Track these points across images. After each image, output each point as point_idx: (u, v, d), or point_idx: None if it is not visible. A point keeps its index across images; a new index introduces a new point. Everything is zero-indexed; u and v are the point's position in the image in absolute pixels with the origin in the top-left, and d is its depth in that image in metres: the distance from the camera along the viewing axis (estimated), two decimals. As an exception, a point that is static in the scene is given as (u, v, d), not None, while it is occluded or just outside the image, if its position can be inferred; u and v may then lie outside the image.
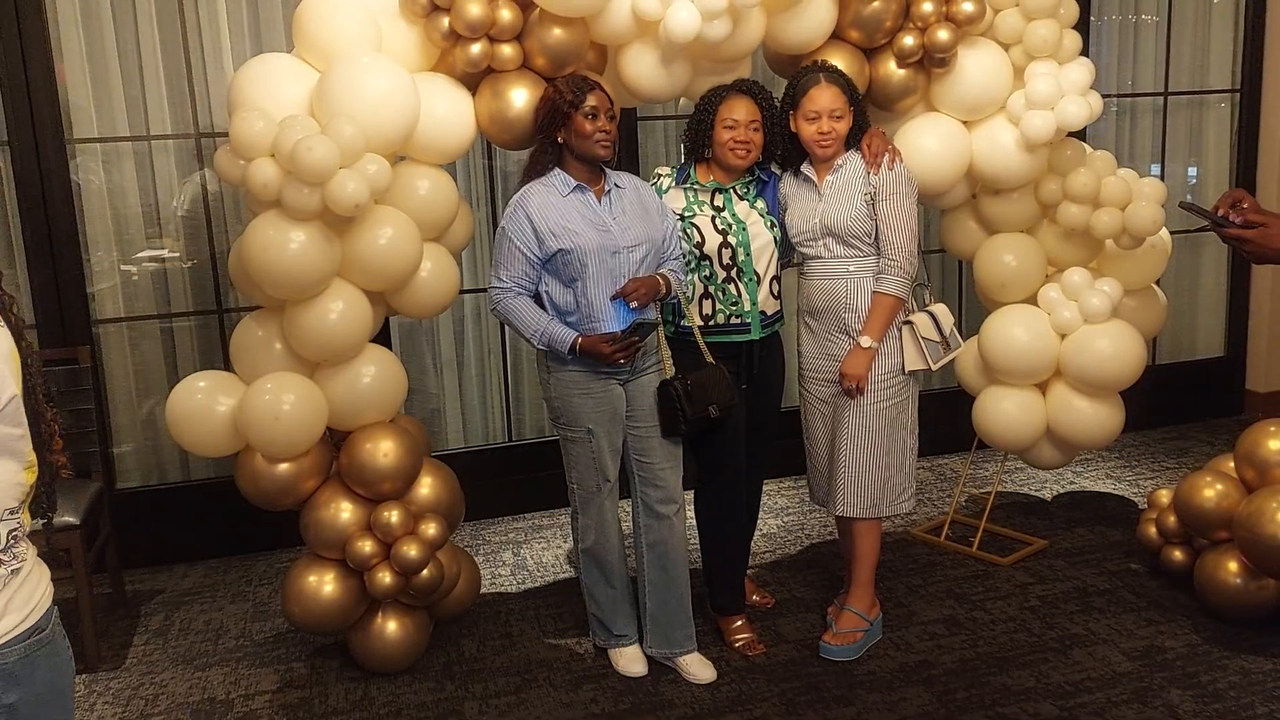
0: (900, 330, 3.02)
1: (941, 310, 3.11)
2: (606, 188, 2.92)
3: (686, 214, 3.03)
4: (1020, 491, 4.34)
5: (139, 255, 3.93)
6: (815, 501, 3.26)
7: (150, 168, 3.89)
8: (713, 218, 3.02)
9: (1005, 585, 3.50)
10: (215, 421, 2.98)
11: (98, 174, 3.85)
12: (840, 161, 3.02)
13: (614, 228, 2.88)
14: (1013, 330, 3.59)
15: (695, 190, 3.05)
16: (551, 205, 2.83)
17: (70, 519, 3.10)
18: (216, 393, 3.00)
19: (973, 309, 4.42)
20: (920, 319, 3.04)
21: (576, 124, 2.81)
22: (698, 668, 3.02)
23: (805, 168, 3.06)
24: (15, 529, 1.37)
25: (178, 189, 3.92)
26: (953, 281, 4.82)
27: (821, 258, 3.03)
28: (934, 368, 3.05)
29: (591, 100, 2.81)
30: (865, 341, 2.96)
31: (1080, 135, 4.29)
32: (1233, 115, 5.04)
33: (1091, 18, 4.71)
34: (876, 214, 2.95)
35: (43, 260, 3.70)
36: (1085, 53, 4.48)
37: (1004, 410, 3.67)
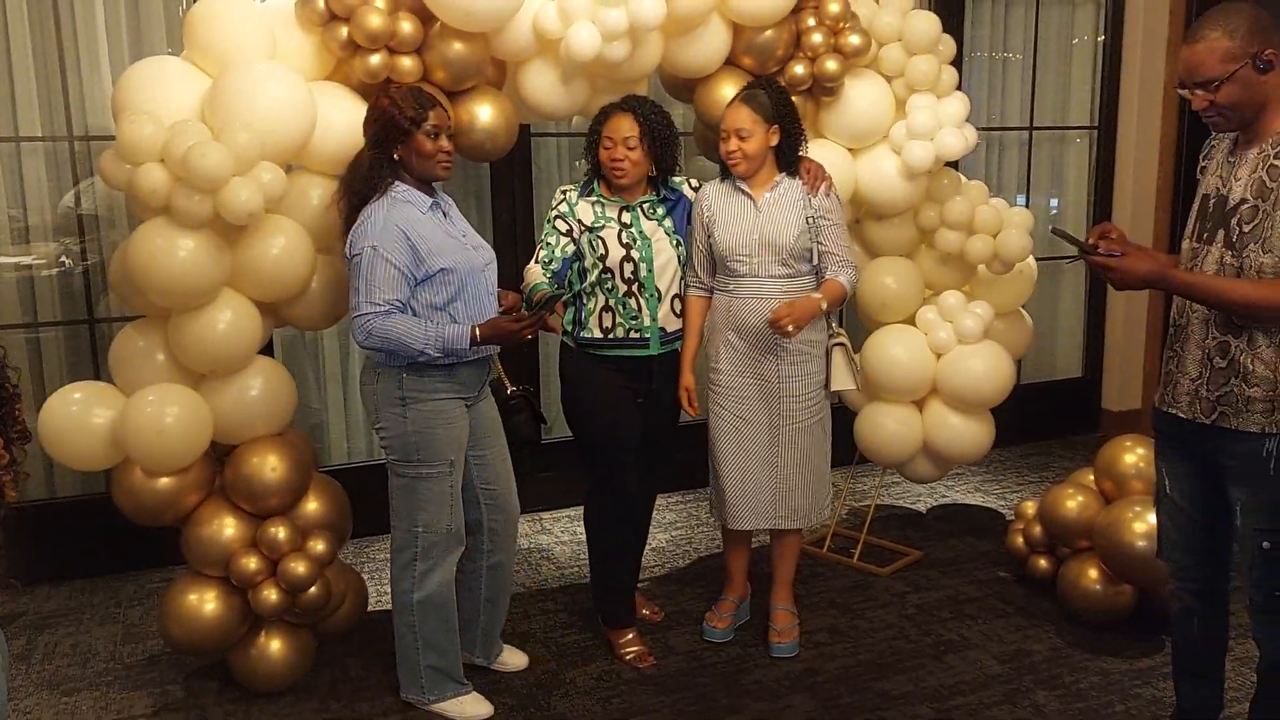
0: (831, 350, 3.11)
1: (846, 335, 3.23)
2: (444, 207, 2.83)
3: (594, 227, 3.04)
4: (898, 504, 4.51)
5: (4, 261, 3.74)
6: (718, 518, 3.27)
7: (19, 171, 3.71)
8: (619, 232, 3.04)
9: (884, 595, 3.64)
10: (93, 434, 2.86)
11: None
12: (777, 180, 3.06)
13: (468, 246, 2.81)
14: (893, 349, 3.75)
15: (602, 204, 3.07)
16: (421, 223, 2.68)
17: (-73, 537, 2.92)
18: (94, 404, 2.88)
19: (857, 329, 4.60)
20: (847, 339, 3.14)
21: (417, 143, 2.67)
22: (511, 656, 3.18)
23: (741, 183, 3.08)
24: None
25: (71, 193, 3.74)
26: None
27: (756, 275, 3.05)
28: (859, 387, 3.16)
29: (433, 119, 2.67)
30: (817, 296, 2.98)
31: (954, 165, 4.53)
32: (1090, 150, 5.37)
33: (965, 55, 4.96)
34: (820, 238, 3.03)
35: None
36: (959, 87, 4.75)
37: (883, 426, 3.82)
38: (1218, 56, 2.19)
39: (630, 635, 3.24)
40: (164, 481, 2.88)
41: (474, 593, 3.06)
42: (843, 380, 3.13)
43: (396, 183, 2.71)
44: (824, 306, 2.99)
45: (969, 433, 3.79)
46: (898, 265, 3.76)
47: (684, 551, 4.04)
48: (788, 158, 3.07)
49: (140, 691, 3.07)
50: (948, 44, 3.53)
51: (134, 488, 2.89)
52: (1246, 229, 2.23)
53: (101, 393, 2.92)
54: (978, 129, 5.08)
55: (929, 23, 3.42)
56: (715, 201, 3.11)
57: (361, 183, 2.71)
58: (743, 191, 3.08)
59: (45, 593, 3.73)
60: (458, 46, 2.98)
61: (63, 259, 3.80)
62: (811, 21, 3.33)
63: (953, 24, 4.76)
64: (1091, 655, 3.21)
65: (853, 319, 4.77)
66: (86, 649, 3.33)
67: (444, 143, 2.72)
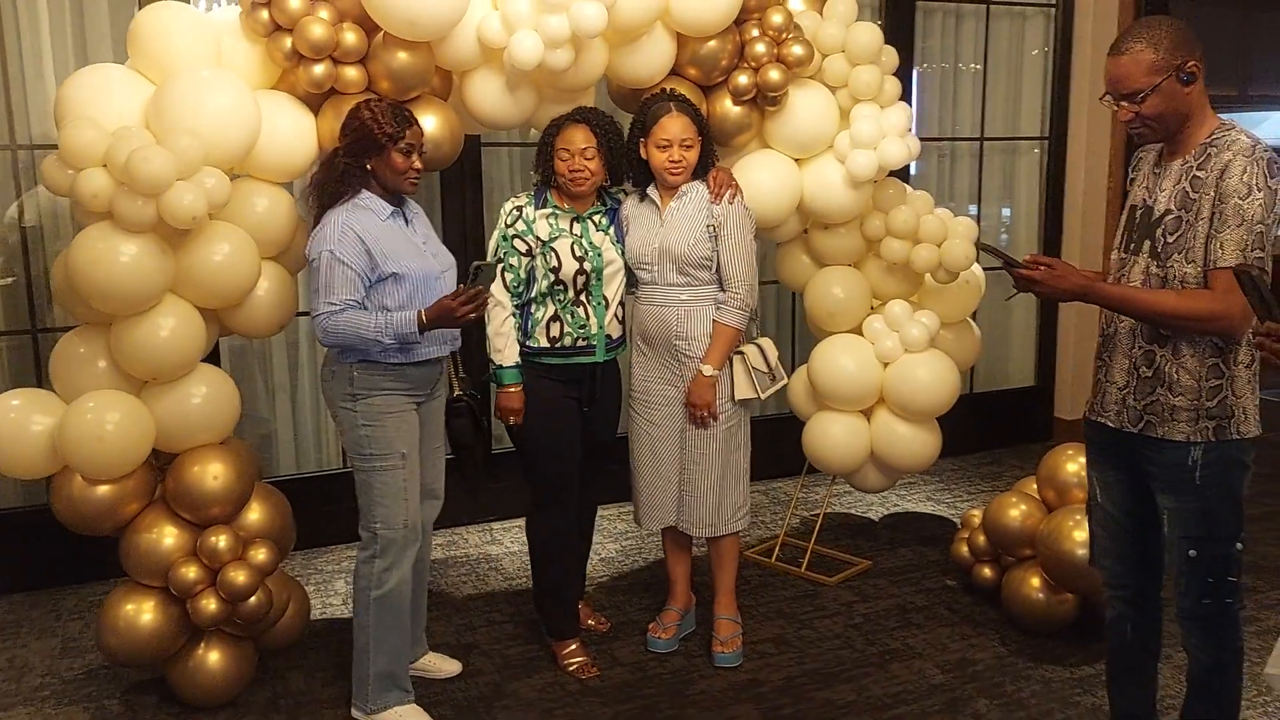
0: (731, 361, 3.13)
1: (767, 343, 3.26)
2: (408, 215, 2.90)
3: (549, 240, 3.06)
4: (849, 513, 4.54)
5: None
6: (637, 522, 3.32)
7: (-40, 178, 3.67)
8: (572, 244, 3.06)
9: (832, 604, 3.65)
10: (31, 441, 2.83)
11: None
12: (685, 190, 3.11)
13: (427, 253, 2.87)
14: (840, 359, 3.77)
15: (557, 215, 3.08)
16: (379, 228, 2.75)
17: None
18: (32, 411, 2.85)
19: (805, 338, 4.62)
20: (750, 350, 3.17)
21: (391, 158, 2.74)
22: (442, 662, 3.20)
23: (651, 191, 3.14)
24: None
25: (15, 204, 3.70)
26: (787, 310, 5.01)
27: (656, 283, 3.12)
28: (762, 397, 3.18)
29: (410, 137, 2.75)
30: (707, 370, 3.06)
31: (904, 175, 4.58)
32: (1042, 160, 5.44)
33: (916, 66, 5.02)
34: (719, 246, 3.06)
35: None
36: (907, 98, 4.80)
37: (831, 435, 3.84)
38: (1142, 69, 2.23)
39: (574, 646, 3.24)
40: (103, 489, 2.85)
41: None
42: (744, 390, 3.15)
43: (363, 190, 2.78)
44: (713, 372, 3.07)
45: (916, 442, 3.81)
46: (845, 275, 3.79)
47: (633, 561, 4.04)
48: (701, 170, 3.12)
49: (77, 706, 3.03)
50: (890, 55, 3.57)
51: (73, 496, 2.85)
52: (1171, 239, 2.26)
53: (40, 400, 2.89)
54: (929, 139, 5.21)
55: (871, 34, 3.46)
56: (630, 211, 3.19)
57: (332, 185, 2.79)
58: (651, 201, 3.13)
59: (-16, 606, 3.68)
60: (402, 56, 2.98)
61: (12, 274, 3.76)
62: (755, 32, 3.36)
63: (903, 35, 4.84)
64: (1034, 664, 3.24)
65: (800, 328, 4.81)
66: (22, 663, 3.29)
67: (415, 160, 2.79)
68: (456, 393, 3.08)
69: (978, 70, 5.24)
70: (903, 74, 4.75)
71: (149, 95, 2.81)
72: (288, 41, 2.88)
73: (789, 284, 4.01)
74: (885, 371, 3.77)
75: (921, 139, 5.11)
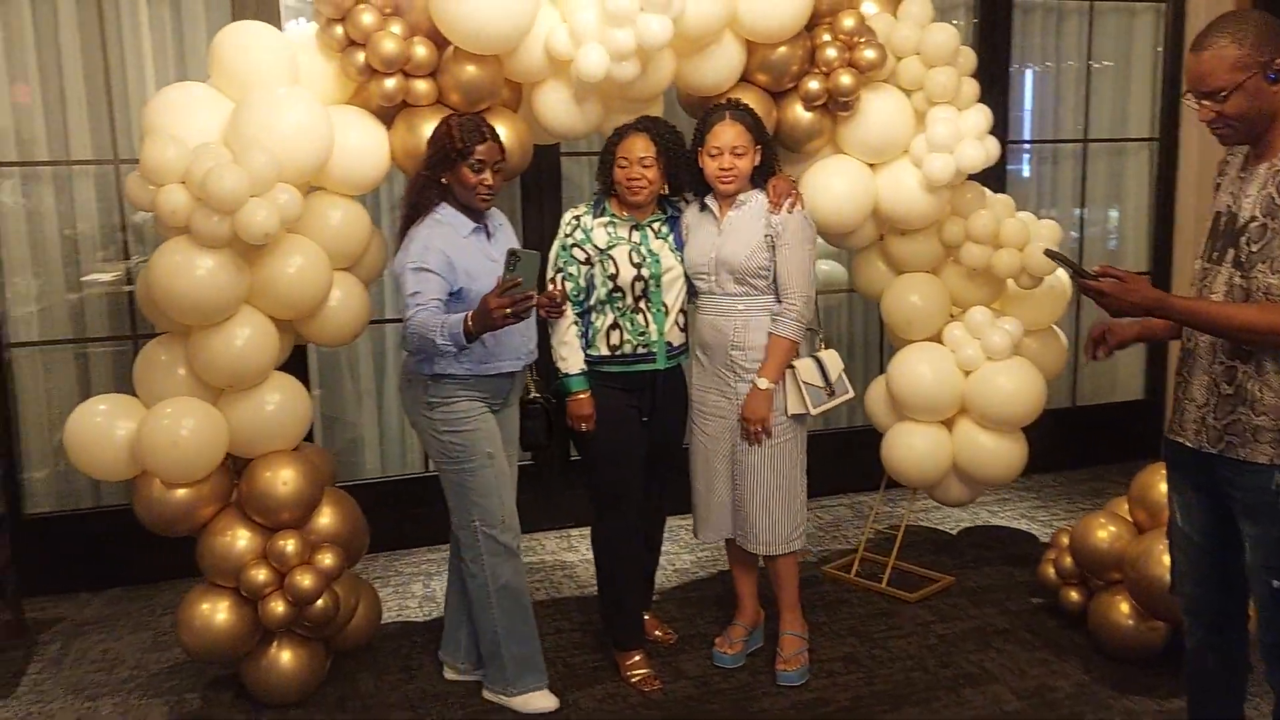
0: (784, 374, 3.06)
1: (830, 357, 3.18)
2: (491, 228, 2.94)
3: (607, 247, 3.06)
4: (933, 528, 4.40)
5: (58, 280, 3.91)
6: (694, 534, 3.29)
7: (70, 193, 3.88)
8: (630, 252, 3.06)
9: (908, 623, 3.54)
10: (113, 445, 2.96)
11: (14, 198, 3.83)
12: (743, 199, 3.07)
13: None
14: (919, 367, 3.66)
15: (615, 224, 3.09)
16: (457, 244, 2.81)
17: (-37, 544, 3.06)
18: (116, 416, 2.99)
19: (876, 347, 4.51)
20: (804, 364, 3.09)
21: (461, 173, 2.79)
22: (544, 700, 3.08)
23: (710, 200, 3.11)
24: None
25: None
26: (861, 319, 4.91)
27: (714, 293, 3.08)
28: (813, 412, 3.10)
29: (480, 152, 2.78)
30: (762, 383, 3.01)
31: (1000, 178, 4.43)
32: (1151, 163, 5.18)
33: (1027, 66, 4.85)
34: (775, 256, 3.00)
35: (-46, 283, 3.68)
36: (1003, 99, 4.64)
37: (911, 446, 3.73)
38: (1225, 65, 2.09)
39: (638, 658, 3.21)
40: (181, 493, 2.96)
41: (465, 595, 3.08)
42: (794, 404, 3.08)
43: (442, 204, 2.83)
44: (767, 385, 3.01)
45: (1000, 453, 3.67)
46: (923, 281, 3.67)
47: (706, 573, 3.99)
48: (760, 178, 3.07)
49: (158, 699, 3.16)
50: (967, 56, 3.45)
51: (152, 498, 2.98)
52: (1255, 248, 2.12)
53: (123, 405, 3.03)
54: (1029, 142, 5.02)
55: (947, 35, 3.34)
56: (689, 220, 3.16)
57: (413, 198, 2.86)
58: (710, 210, 3.09)
59: (85, 599, 3.87)
60: (471, 69, 3.02)
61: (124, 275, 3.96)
62: (826, 37, 3.29)
63: (999, 35, 4.68)
64: (1118, 694, 3.07)
65: (878, 336, 4.70)
66: (115, 656, 3.44)
67: (486, 176, 2.81)
68: (532, 395, 3.11)
69: (1081, 69, 5.02)
70: (999, 74, 4.63)
71: (228, 112, 2.91)
72: (360, 56, 2.95)
73: (865, 292, 3.91)
74: (966, 381, 3.64)
75: (1020, 141, 5.00)
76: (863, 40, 3.27)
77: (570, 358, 3.06)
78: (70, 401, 3.87)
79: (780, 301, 3.03)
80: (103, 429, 2.96)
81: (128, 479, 3.04)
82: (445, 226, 2.82)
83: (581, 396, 3.05)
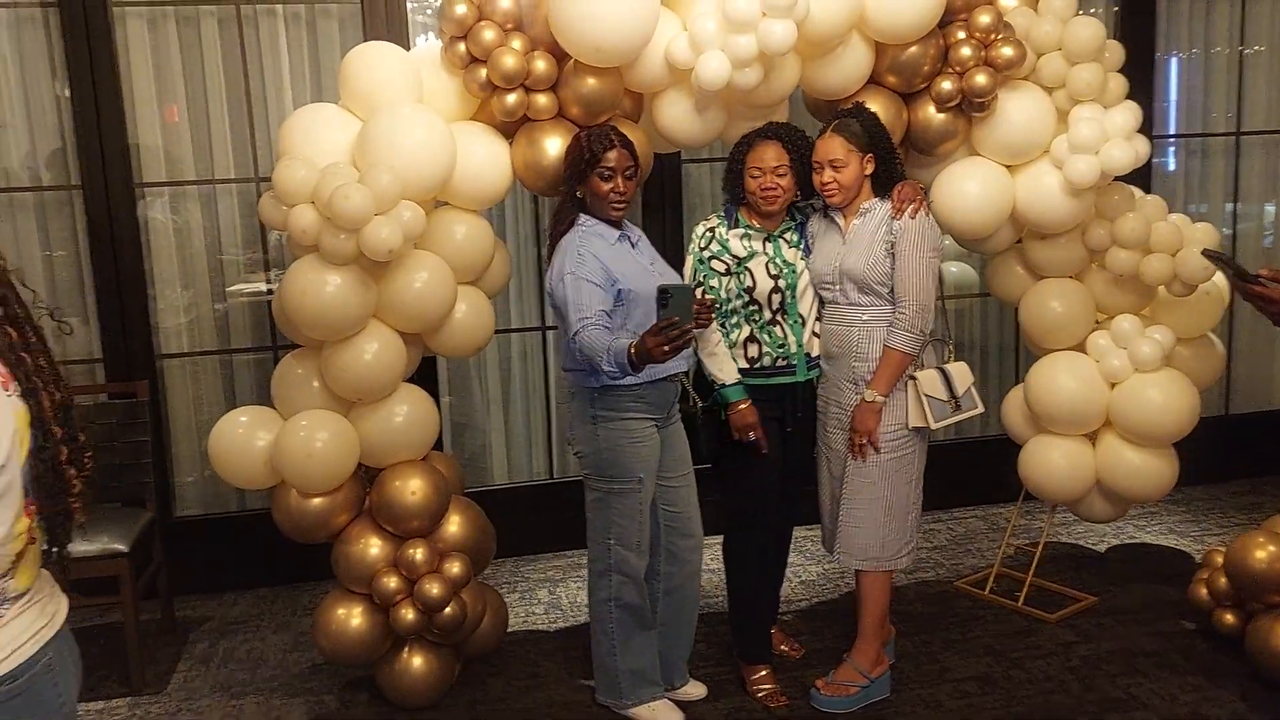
0: (906, 385, 2.97)
1: (958, 369, 3.06)
2: (633, 239, 2.95)
3: (743, 258, 3.02)
4: (1075, 544, 4.20)
5: (204, 293, 4.09)
6: (824, 547, 3.21)
7: (214, 210, 4.05)
8: (766, 263, 3.02)
9: (1048, 643, 3.39)
10: (253, 455, 3.07)
11: (164, 215, 4.03)
12: (868, 207, 2.99)
13: (654, 273, 2.92)
14: (1059, 378, 3.49)
15: (749, 235, 3.05)
16: (607, 249, 2.83)
17: (119, 546, 3.22)
18: (256, 427, 3.10)
19: (1027, 354, 4.31)
20: (926, 376, 2.98)
21: (592, 183, 2.82)
22: (693, 688, 3.15)
23: (833, 211, 3.05)
24: None
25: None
26: (996, 325, 4.73)
27: (838, 303, 3.01)
28: (934, 426, 2.98)
29: (609, 159, 2.80)
30: (870, 395, 2.92)
31: (1146, 175, 4.20)
32: (1311, 154, 4.84)
33: (1171, 56, 4.59)
34: (894, 264, 2.92)
35: (110, 298, 3.89)
36: (1149, 92, 4.40)
37: (1051, 460, 3.56)
38: None
39: (764, 672, 3.17)
40: (315, 501, 3.06)
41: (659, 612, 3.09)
42: (915, 417, 2.97)
43: (583, 216, 2.86)
44: (876, 397, 2.91)
45: (1148, 470, 3.46)
46: (1065, 287, 3.49)
47: (834, 586, 3.91)
48: (884, 185, 2.96)
49: (299, 699, 3.27)
50: (1115, 51, 3.26)
51: (290, 507, 3.08)
52: None
53: (263, 416, 3.14)
54: (1175, 136, 4.74)
55: (1092, 30, 3.16)
56: (815, 229, 3.11)
57: (557, 215, 2.92)
58: (834, 220, 3.02)
59: (232, 599, 4.04)
60: (591, 82, 3.02)
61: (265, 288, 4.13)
62: (961, 35, 3.17)
63: (1143, 24, 4.43)
64: (1281, 725, 2.87)
65: (1014, 342, 4.51)
66: (259, 655, 3.58)
67: (618, 183, 2.83)
68: (699, 405, 3.09)
69: (1232, 56, 4.72)
70: (1143, 66, 4.39)
71: (356, 131, 2.98)
72: (482, 73, 2.99)
73: (1002, 297, 3.75)
74: (1112, 392, 3.45)
75: (1166, 136, 4.73)
76: (1000, 37, 3.14)
77: (724, 368, 3.00)
78: (216, 409, 4.08)
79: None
80: (243, 440, 3.08)
81: (265, 488, 3.15)
82: (593, 235, 2.84)
83: (743, 406, 2.98)
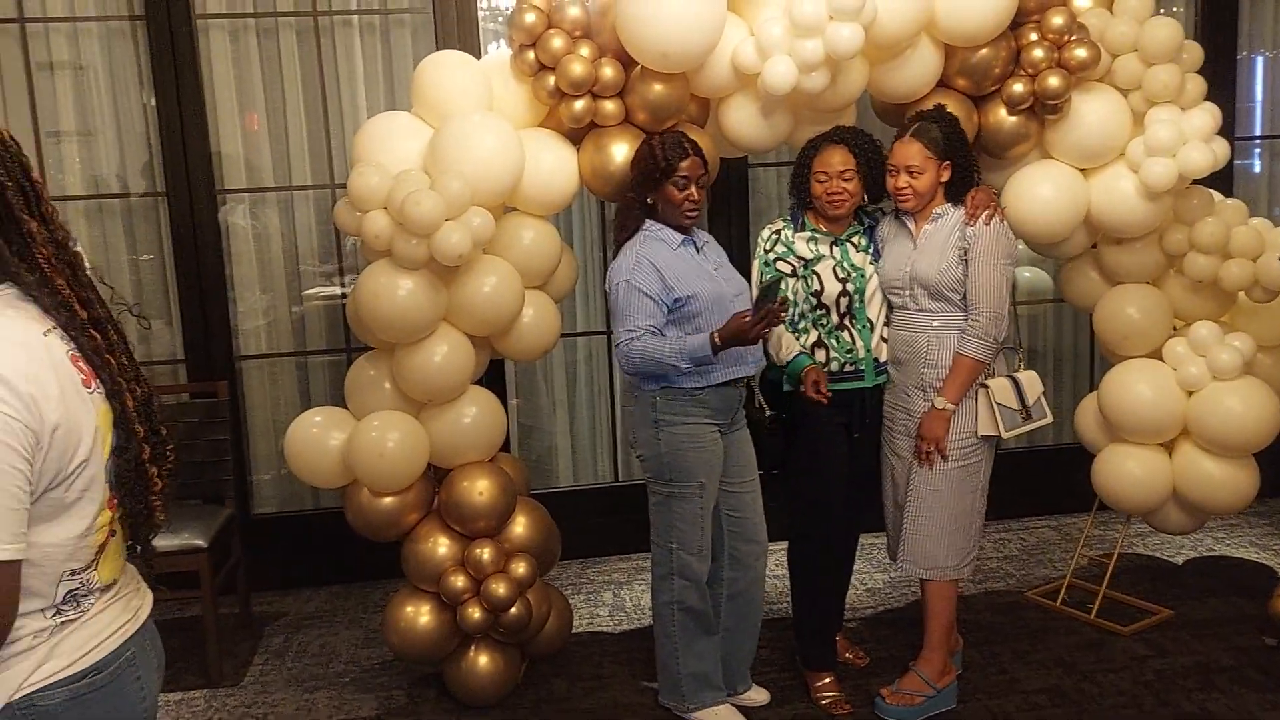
0: (976, 393, 2.93)
1: (1029, 378, 3.01)
2: (699, 244, 2.96)
3: (810, 261, 3.02)
4: (1150, 555, 4.10)
5: (281, 297, 4.21)
6: (889, 554, 3.19)
7: (291, 216, 4.17)
8: (834, 266, 3.01)
9: (1121, 656, 3.31)
10: (328, 454, 3.15)
11: (244, 221, 4.15)
12: (940, 212, 2.97)
13: (719, 278, 2.93)
14: (1135, 386, 3.41)
15: (816, 239, 3.05)
16: (670, 256, 2.85)
17: (199, 542, 3.33)
18: (330, 427, 3.18)
19: (1101, 361, 4.22)
20: (998, 384, 2.94)
21: (666, 191, 2.84)
22: (756, 694, 3.15)
23: (905, 215, 3.03)
24: (76, 588, 1.43)
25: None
26: (1084, 330, 4.62)
27: (907, 308, 2.99)
28: (1005, 435, 2.94)
29: (684, 168, 2.81)
30: (940, 403, 2.89)
31: (1227, 179, 4.09)
32: None
33: (1240, 53, 4.47)
34: (966, 271, 2.88)
35: (193, 301, 4.02)
36: (1232, 92, 4.28)
37: (1126, 470, 3.48)
38: None
39: (828, 679, 3.15)
40: (386, 500, 3.12)
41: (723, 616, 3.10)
42: (986, 426, 2.93)
43: (649, 222, 2.89)
44: (946, 405, 2.88)
45: (1227, 481, 3.37)
46: (1141, 293, 3.42)
47: (901, 594, 3.87)
48: (959, 191, 2.93)
49: (369, 694, 3.34)
50: (1193, 52, 3.19)
51: (361, 505, 3.15)
52: None
53: (337, 417, 3.22)
54: (1259, 137, 4.61)
55: (1169, 30, 3.09)
56: (885, 232, 3.08)
57: (621, 220, 2.95)
58: (904, 225, 3.00)
59: (308, 595, 4.14)
60: (658, 88, 3.04)
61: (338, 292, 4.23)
62: (1033, 36, 3.12)
63: (1224, 22, 4.32)
64: (1366, 746, 2.78)
65: (1088, 349, 4.41)
66: (331, 650, 3.67)
67: (692, 191, 2.85)
68: (769, 412, 3.10)
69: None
70: (1224, 66, 4.28)
71: (428, 138, 3.05)
72: (551, 80, 3.02)
73: (1076, 302, 3.68)
74: (1189, 401, 3.37)
75: (1250, 138, 4.59)
76: (1074, 38, 3.08)
77: (787, 344, 3.00)
78: (292, 409, 4.18)
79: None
80: (318, 439, 3.16)
81: (338, 487, 3.23)
82: (656, 241, 2.86)
83: (811, 367, 2.94)
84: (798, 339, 3.04)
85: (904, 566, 3.06)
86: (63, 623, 1.41)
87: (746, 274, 3.13)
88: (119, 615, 1.52)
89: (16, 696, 1.36)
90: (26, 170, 1.43)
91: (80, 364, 1.43)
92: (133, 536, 1.53)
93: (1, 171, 1.38)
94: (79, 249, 1.52)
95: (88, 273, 1.51)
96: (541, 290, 3.29)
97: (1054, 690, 3.13)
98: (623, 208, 2.98)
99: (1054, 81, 3.08)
